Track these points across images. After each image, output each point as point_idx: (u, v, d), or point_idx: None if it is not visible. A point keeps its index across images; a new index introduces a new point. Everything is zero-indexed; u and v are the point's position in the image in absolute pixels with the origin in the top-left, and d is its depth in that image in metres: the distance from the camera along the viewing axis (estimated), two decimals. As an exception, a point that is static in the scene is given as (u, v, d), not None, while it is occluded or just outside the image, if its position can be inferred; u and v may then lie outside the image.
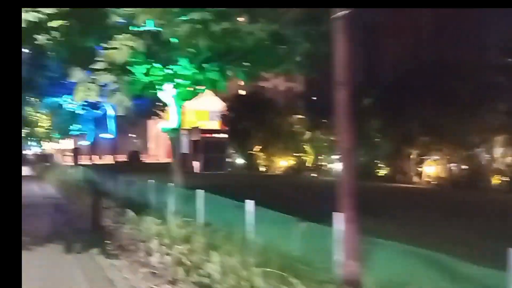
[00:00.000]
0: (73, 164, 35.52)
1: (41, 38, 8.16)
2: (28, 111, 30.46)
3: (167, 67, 8.15)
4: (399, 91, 28.60)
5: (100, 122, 19.37)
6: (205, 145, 37.62)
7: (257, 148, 40.29)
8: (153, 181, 11.78)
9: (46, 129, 30.25)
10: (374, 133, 29.92)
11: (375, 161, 30.47)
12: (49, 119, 29.11)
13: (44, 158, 47.03)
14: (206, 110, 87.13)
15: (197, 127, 45.89)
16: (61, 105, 19.09)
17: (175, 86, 8.57)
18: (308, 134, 36.26)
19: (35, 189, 24.53)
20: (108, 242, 9.69)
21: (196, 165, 37.95)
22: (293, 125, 37.38)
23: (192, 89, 8.69)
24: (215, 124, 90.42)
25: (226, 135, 41.58)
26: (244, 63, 8.79)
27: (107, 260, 8.80)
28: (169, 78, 8.19)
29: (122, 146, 68.86)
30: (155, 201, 10.96)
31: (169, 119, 9.53)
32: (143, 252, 8.19)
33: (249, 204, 6.70)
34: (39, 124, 30.57)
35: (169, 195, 10.11)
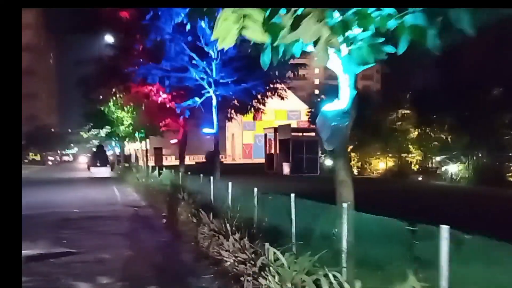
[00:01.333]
0: (154, 165, 33.42)
1: None
2: (106, 108, 28.18)
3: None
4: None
5: (195, 116, 16.25)
6: (295, 145, 33.85)
7: (349, 148, 35.97)
8: (256, 189, 8.22)
9: (127, 127, 27.69)
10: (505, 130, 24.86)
11: (506, 163, 25.30)
12: (131, 116, 26.51)
13: (124, 158, 45.55)
14: (284, 110, 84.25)
15: (289, 124, 42.36)
16: (148, 95, 16.09)
17: (351, 41, 4.67)
18: (414, 132, 31.49)
19: (114, 194, 22.12)
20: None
21: (285, 166, 34.29)
22: (395, 122, 32.68)
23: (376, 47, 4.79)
24: (294, 125, 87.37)
25: (314, 134, 37.63)
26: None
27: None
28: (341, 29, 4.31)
29: (195, 146, 67.42)
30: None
31: (339, 98, 5.58)
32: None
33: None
34: (120, 121, 28.11)
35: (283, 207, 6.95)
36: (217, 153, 13.89)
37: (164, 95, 13.31)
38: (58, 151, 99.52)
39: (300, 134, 37.12)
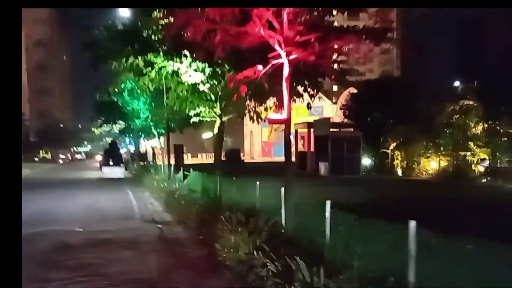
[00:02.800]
0: (172, 163, 29.70)
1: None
2: (119, 98, 24.13)
3: None
4: None
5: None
6: (334, 142, 29.52)
7: (392, 145, 31.56)
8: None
9: (144, 121, 23.62)
10: None
11: None
12: (148, 107, 22.43)
13: (140, 156, 41.62)
14: (305, 105, 79.82)
15: (328, 119, 38.10)
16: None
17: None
18: (477, 127, 27.00)
19: (130, 202, 18.06)
20: None
21: (322, 166, 30.01)
22: (452, 115, 28.19)
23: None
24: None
25: (352, 129, 33.22)
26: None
27: None
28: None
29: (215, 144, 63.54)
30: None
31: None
32: None
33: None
34: (136, 114, 24.07)
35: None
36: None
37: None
38: (72, 149, 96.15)
39: (340, 130, 32.79)
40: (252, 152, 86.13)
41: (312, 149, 32.73)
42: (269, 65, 7.35)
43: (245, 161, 63.45)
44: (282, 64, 7.40)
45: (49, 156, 70.50)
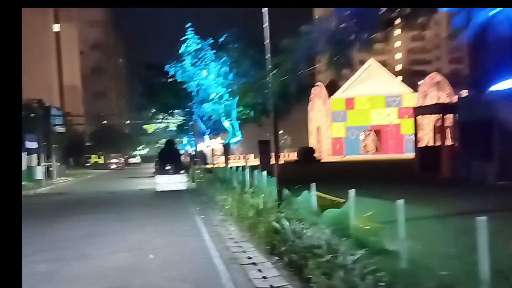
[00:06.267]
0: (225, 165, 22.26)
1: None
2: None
3: None
4: None
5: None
6: (504, 130, 19.30)
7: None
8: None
9: (216, 103, 14.94)
10: None
11: None
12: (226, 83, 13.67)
13: (203, 159, 33.18)
14: (381, 95, 69.50)
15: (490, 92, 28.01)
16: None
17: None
18: None
19: (205, 250, 9.07)
20: None
21: (480, 169, 19.95)
22: None
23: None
24: (394, 113, 71.58)
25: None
26: None
27: None
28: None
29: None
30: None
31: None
32: None
33: None
34: (206, 95, 15.74)
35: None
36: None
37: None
38: (130, 153, 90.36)
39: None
40: (320, 150, 76.04)
41: (451, 141, 22.76)
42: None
43: (322, 161, 54.15)
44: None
45: (102, 160, 64.09)
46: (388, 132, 66.65)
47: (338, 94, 70.09)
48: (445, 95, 64.95)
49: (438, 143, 24.80)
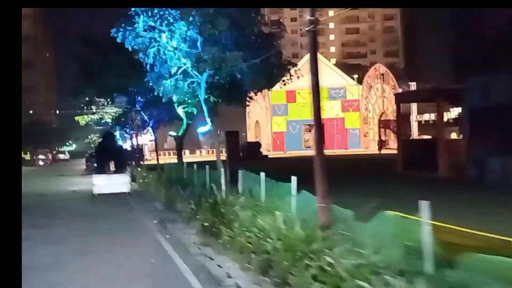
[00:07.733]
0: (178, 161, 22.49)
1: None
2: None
3: None
4: None
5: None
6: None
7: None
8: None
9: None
10: None
11: None
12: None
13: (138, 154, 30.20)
14: (324, 87, 68.68)
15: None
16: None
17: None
18: None
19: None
20: None
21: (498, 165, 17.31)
22: None
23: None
24: (338, 106, 70.45)
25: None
26: None
27: None
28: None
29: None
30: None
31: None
32: None
33: None
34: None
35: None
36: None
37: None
38: (57, 148, 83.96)
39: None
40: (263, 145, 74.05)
41: (456, 135, 20.52)
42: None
43: (269, 156, 52.43)
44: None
45: (28, 157, 58.93)
46: (331, 126, 65.26)
47: (278, 87, 68.46)
48: (389, 88, 65.08)
49: (427, 136, 22.34)
